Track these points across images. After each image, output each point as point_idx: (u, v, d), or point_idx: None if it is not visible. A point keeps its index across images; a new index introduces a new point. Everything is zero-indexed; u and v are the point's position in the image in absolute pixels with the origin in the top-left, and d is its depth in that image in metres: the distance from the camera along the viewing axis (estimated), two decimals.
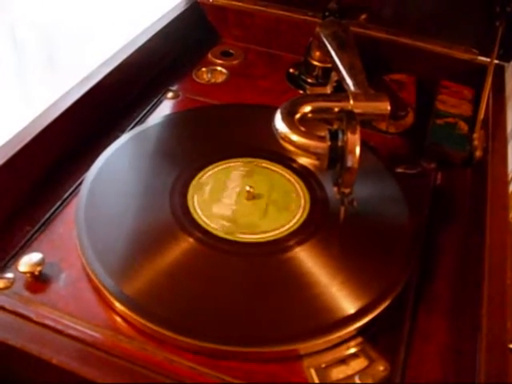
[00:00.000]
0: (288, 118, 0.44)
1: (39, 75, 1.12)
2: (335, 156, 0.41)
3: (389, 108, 0.47)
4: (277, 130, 0.44)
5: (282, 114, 0.44)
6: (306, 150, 0.42)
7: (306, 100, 0.46)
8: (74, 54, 1.06)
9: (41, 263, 0.43)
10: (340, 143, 0.41)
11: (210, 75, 0.72)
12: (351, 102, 0.46)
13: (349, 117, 0.40)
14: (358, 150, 0.39)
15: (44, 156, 0.52)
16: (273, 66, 0.74)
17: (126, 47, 0.65)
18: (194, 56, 0.75)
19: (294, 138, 0.43)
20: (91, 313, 0.41)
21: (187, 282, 0.43)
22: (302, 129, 0.44)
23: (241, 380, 0.38)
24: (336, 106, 0.46)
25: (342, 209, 0.44)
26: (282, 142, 0.44)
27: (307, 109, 0.45)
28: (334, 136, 0.41)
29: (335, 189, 0.43)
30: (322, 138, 0.42)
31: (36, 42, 1.08)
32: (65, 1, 1.01)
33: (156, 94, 0.66)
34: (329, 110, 0.46)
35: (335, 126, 0.42)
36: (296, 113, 0.44)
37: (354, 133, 0.39)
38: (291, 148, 0.43)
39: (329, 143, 0.41)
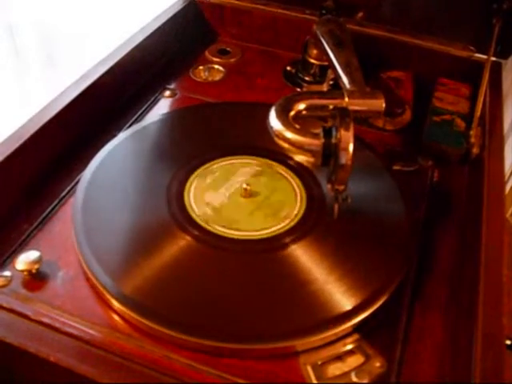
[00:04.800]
0: (282, 116, 0.44)
1: (38, 74, 1.12)
2: (329, 153, 0.41)
3: (384, 105, 0.47)
4: (271, 127, 0.44)
5: (276, 111, 0.44)
6: (300, 148, 0.42)
7: (300, 97, 0.46)
8: (73, 52, 1.06)
9: (38, 261, 0.43)
10: (334, 140, 0.41)
11: (207, 73, 0.72)
12: (346, 99, 0.46)
13: (342, 114, 0.40)
14: (351, 147, 0.39)
15: (41, 154, 0.52)
16: (270, 64, 0.74)
17: (123, 45, 0.65)
18: (191, 54, 0.75)
19: (288, 135, 0.43)
20: (88, 311, 0.41)
21: (184, 279, 0.43)
22: (297, 126, 0.44)
23: (238, 377, 0.38)
24: (331, 104, 0.46)
25: (336, 206, 0.44)
26: (276, 139, 0.44)
27: (302, 106, 0.45)
28: (327, 133, 0.41)
29: (329, 186, 0.43)
30: (316, 136, 0.42)
31: (35, 41, 1.08)
32: (64, 0, 1.01)
33: (153, 93, 0.66)
34: (324, 107, 0.46)
35: (329, 124, 0.42)
36: (290, 110, 0.44)
37: (347, 130, 0.39)
38: (285, 145, 0.43)
39: (322, 140, 0.41)
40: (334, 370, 0.39)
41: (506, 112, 0.67)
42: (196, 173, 0.52)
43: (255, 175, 0.53)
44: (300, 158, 0.50)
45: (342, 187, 0.42)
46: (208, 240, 0.46)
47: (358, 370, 0.39)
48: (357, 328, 0.41)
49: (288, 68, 0.73)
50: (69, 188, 0.52)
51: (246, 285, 0.44)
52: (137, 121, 0.61)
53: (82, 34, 1.02)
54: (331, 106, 0.46)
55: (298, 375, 0.39)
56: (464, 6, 0.68)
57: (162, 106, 0.65)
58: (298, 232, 0.47)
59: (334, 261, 0.45)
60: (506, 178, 0.91)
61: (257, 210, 0.49)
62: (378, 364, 0.39)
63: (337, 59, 0.53)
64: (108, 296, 0.41)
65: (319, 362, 0.39)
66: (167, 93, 0.67)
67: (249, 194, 0.50)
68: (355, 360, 0.40)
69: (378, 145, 0.59)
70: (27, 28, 1.06)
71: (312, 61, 0.68)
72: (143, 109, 0.64)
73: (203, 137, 0.58)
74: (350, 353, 0.40)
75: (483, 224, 0.46)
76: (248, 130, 0.58)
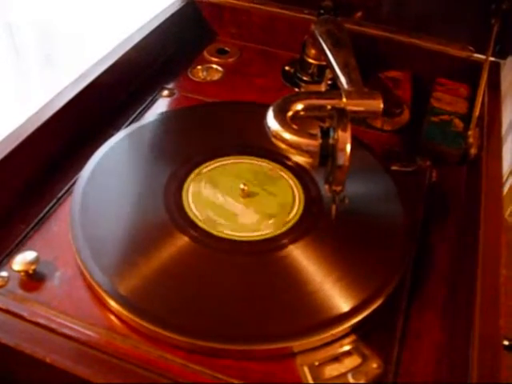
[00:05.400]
0: (280, 116, 0.44)
1: (37, 73, 1.12)
2: (326, 154, 0.41)
3: (382, 106, 0.46)
4: (269, 127, 0.44)
5: (274, 111, 0.44)
6: (297, 148, 0.42)
7: (298, 98, 0.45)
8: (72, 52, 1.06)
9: (35, 262, 0.43)
10: (331, 141, 0.41)
11: (205, 73, 0.72)
12: (344, 99, 0.46)
13: (340, 114, 0.40)
14: (348, 148, 0.39)
15: (39, 154, 0.52)
16: (268, 64, 0.74)
17: (122, 45, 0.65)
18: (190, 54, 0.75)
19: (286, 135, 0.43)
20: (85, 311, 0.41)
21: (181, 280, 0.43)
22: (294, 126, 0.43)
23: (234, 378, 0.38)
24: (329, 104, 0.46)
25: (334, 207, 0.44)
26: (273, 139, 0.43)
27: (299, 106, 0.45)
28: (325, 134, 0.41)
29: (326, 187, 0.43)
30: (313, 136, 0.42)
31: (34, 40, 1.08)
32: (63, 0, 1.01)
33: (151, 92, 0.66)
34: (321, 107, 0.46)
35: (327, 124, 0.42)
36: (288, 110, 0.44)
37: (344, 130, 0.39)
38: (283, 146, 0.43)
39: (320, 141, 0.41)
40: (331, 370, 0.39)
41: (505, 112, 0.67)
42: (194, 173, 0.52)
43: (253, 175, 0.53)
44: (298, 158, 0.50)
45: (339, 188, 0.42)
46: (205, 240, 0.46)
47: (355, 370, 0.39)
48: (354, 329, 0.41)
49: (286, 68, 0.73)
50: (66, 188, 0.52)
51: (242, 286, 0.43)
52: (135, 120, 0.61)
53: (81, 34, 1.02)
54: (329, 107, 0.45)
55: (294, 376, 0.39)
56: (463, 6, 0.68)
57: (161, 106, 0.65)
58: (295, 233, 0.47)
59: (332, 262, 0.45)
60: (504, 178, 0.91)
61: (254, 211, 0.49)
62: (374, 365, 0.39)
63: (335, 59, 0.53)
64: (105, 296, 0.41)
65: (316, 363, 0.39)
66: (165, 92, 0.67)
67: (246, 194, 0.50)
68: (352, 361, 0.40)
69: (376, 145, 0.59)
70: (26, 27, 1.06)
71: (310, 61, 0.68)
72: (141, 108, 0.64)
73: (201, 137, 0.58)
74: (347, 354, 0.40)
75: (481, 224, 0.46)
76: (246, 130, 0.58)
